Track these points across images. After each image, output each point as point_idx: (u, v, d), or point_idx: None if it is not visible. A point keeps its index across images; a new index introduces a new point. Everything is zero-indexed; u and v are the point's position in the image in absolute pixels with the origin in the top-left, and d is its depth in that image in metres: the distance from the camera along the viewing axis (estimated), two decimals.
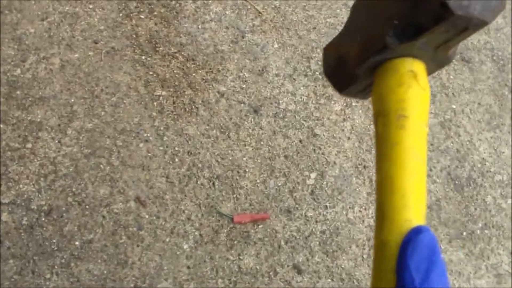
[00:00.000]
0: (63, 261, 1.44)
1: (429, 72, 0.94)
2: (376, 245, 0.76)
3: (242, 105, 1.72)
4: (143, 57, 1.77)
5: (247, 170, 1.59)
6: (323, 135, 1.69)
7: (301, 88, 1.78)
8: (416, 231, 0.74)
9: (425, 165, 0.84)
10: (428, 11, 0.81)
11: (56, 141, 1.59)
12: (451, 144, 1.74)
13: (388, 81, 0.90)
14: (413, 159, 0.85)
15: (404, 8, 0.85)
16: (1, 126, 1.59)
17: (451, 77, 1.87)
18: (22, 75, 1.69)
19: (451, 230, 1.60)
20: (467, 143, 1.75)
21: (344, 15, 1.95)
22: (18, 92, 1.66)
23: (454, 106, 1.82)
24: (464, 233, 1.60)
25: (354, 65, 0.92)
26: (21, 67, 1.70)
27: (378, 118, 0.88)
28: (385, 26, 0.86)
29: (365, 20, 0.92)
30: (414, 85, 0.88)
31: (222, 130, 1.66)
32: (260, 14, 1.91)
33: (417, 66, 0.90)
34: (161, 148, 1.62)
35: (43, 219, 1.48)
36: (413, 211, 0.78)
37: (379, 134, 0.87)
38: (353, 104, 1.77)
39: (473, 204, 1.65)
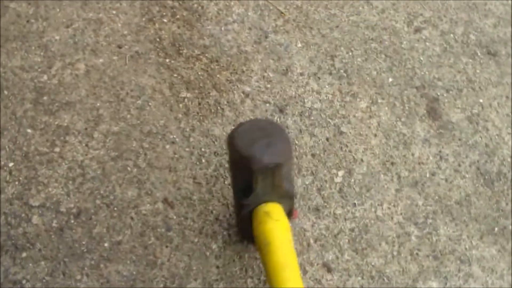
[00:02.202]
0: (92, 262, 1.44)
1: (288, 206, 1.35)
2: None
3: (267, 104, 1.72)
4: (167, 60, 1.78)
5: None
6: (350, 132, 1.69)
7: (326, 86, 1.77)
8: None
9: (297, 269, 1.22)
10: (246, 173, 1.22)
11: (83, 145, 1.61)
12: (480, 139, 1.72)
13: (254, 223, 1.29)
14: (283, 271, 1.19)
15: (238, 176, 1.30)
16: (30, 131, 1.61)
17: (477, 71, 1.85)
18: (48, 81, 1.71)
19: (482, 225, 1.58)
20: (496, 137, 1.72)
21: (366, 13, 1.94)
22: (45, 98, 1.68)
23: (481, 100, 1.80)
24: (496, 229, 1.58)
25: (242, 222, 1.37)
26: (47, 73, 1.73)
27: (257, 249, 1.30)
28: (238, 191, 1.31)
29: (233, 192, 1.40)
30: (268, 221, 1.26)
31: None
32: (283, 14, 1.91)
33: (270, 207, 1.28)
34: (187, 149, 1.62)
35: (73, 221, 1.49)
36: None
37: (261, 258, 1.28)
38: (379, 101, 1.76)
39: (504, 199, 1.62)
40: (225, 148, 1.62)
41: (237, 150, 1.23)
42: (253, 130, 1.26)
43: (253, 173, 1.22)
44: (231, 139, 1.25)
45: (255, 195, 1.27)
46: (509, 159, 1.68)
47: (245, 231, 1.40)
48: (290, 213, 1.37)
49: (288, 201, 1.35)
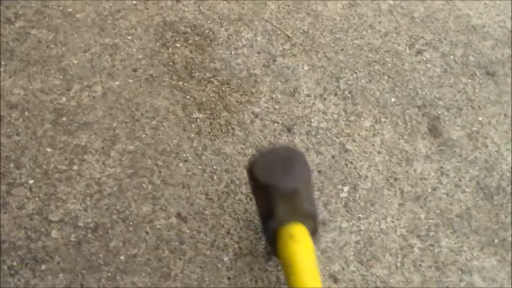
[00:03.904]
0: (109, 274, 1.51)
1: (311, 226, 1.35)
2: None
3: (275, 124, 1.79)
4: (180, 83, 1.86)
5: None
6: (355, 150, 1.76)
7: (332, 106, 1.85)
8: None
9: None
10: (266, 200, 1.29)
11: (101, 163, 1.69)
12: (479, 155, 1.79)
13: (278, 244, 1.32)
14: None
15: (260, 201, 1.36)
16: (49, 150, 1.70)
17: (477, 90, 1.93)
18: (67, 103, 1.80)
19: (482, 237, 1.64)
20: (495, 153, 1.79)
21: (370, 36, 2.03)
22: (64, 119, 1.76)
23: (480, 118, 1.87)
24: (496, 240, 1.64)
25: (268, 242, 1.39)
26: (66, 95, 1.81)
27: (282, 268, 1.31)
28: (262, 213, 1.36)
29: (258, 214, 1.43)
30: (291, 243, 1.28)
31: (257, 148, 1.74)
32: (290, 39, 2.00)
33: (294, 229, 1.30)
34: (200, 167, 1.70)
35: (90, 235, 1.56)
36: None
37: (285, 279, 1.29)
38: (382, 120, 1.83)
39: (503, 212, 1.68)
40: (235, 166, 1.69)
41: (256, 178, 1.30)
42: (270, 157, 1.32)
43: (272, 200, 1.28)
44: (250, 168, 1.32)
45: (277, 218, 1.32)
46: (508, 174, 1.74)
47: (272, 249, 1.45)
48: (314, 233, 1.41)
49: (311, 221, 1.38)
